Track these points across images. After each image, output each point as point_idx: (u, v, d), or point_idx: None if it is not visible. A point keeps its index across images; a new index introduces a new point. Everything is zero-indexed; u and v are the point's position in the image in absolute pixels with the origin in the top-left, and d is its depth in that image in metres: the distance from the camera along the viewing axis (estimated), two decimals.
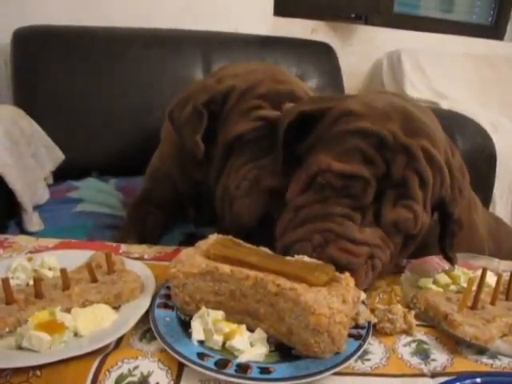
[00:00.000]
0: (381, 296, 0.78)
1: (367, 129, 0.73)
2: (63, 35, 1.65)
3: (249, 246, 0.71)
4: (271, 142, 0.90)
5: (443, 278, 0.81)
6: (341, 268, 0.68)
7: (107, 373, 0.56)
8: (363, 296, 0.68)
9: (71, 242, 0.93)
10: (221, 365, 0.56)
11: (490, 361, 0.63)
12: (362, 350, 0.61)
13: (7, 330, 0.61)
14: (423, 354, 0.64)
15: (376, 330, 0.67)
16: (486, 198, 1.75)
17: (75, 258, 0.79)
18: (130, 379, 0.55)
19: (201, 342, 0.61)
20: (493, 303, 0.73)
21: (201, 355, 0.58)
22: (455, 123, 1.69)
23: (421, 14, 2.75)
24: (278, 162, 0.86)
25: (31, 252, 0.86)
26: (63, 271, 0.68)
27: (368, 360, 0.62)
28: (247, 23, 2.06)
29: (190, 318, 0.64)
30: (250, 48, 1.86)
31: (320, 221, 0.74)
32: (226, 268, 0.64)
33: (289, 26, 2.19)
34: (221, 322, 0.61)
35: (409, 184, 0.72)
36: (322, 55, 2.03)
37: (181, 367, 0.58)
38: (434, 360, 0.63)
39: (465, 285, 0.77)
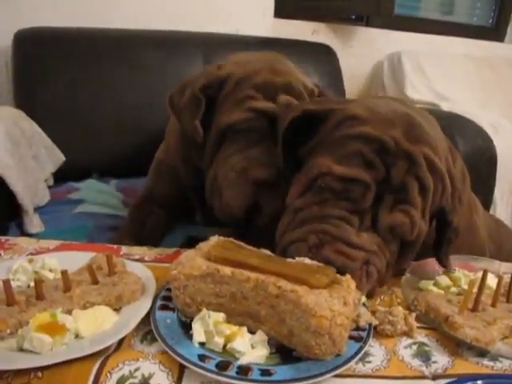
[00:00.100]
0: (381, 298, 0.78)
1: (369, 134, 0.73)
2: (64, 37, 1.65)
3: (250, 248, 0.71)
4: (261, 133, 0.91)
5: (444, 280, 0.81)
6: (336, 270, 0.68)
7: (108, 374, 0.56)
8: (363, 298, 0.68)
9: (72, 243, 0.93)
10: (222, 367, 0.56)
11: (491, 363, 0.63)
12: (362, 352, 0.61)
13: (8, 331, 0.61)
14: (424, 356, 0.64)
15: (377, 332, 0.67)
16: (487, 200, 1.75)
17: (76, 259, 0.79)
18: (131, 381, 0.55)
19: (202, 344, 0.61)
20: (493, 305, 0.73)
21: (202, 357, 0.58)
22: (456, 125, 1.69)
23: (421, 15, 2.75)
24: (279, 158, 0.86)
25: (32, 254, 0.86)
26: (64, 273, 0.68)
27: (369, 362, 0.62)
28: (248, 25, 2.06)
29: (191, 320, 0.64)
30: (250, 49, 1.85)
31: (317, 222, 0.73)
32: (226, 270, 0.64)
33: (289, 27, 2.19)
34: (222, 324, 0.61)
35: (408, 189, 0.71)
36: (323, 57, 2.03)
37: (182, 369, 0.58)
38: (434, 362, 0.63)
39: (465, 287, 0.77)
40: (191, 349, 0.59)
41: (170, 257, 0.88)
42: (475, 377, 0.58)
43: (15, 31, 1.58)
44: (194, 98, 0.95)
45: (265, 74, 0.94)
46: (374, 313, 0.69)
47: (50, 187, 1.41)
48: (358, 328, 0.65)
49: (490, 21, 2.89)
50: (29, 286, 0.72)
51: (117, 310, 0.67)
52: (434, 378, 0.60)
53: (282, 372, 0.57)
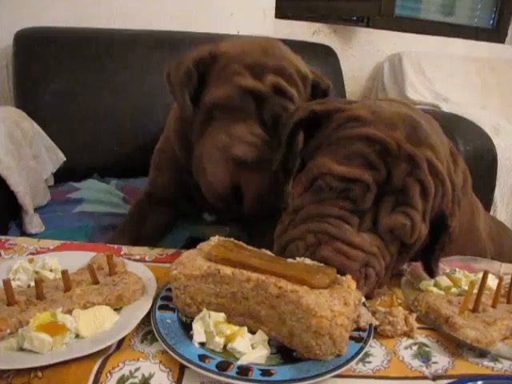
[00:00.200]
0: (382, 298, 0.78)
1: (371, 135, 0.73)
2: (64, 37, 1.65)
3: (250, 248, 0.71)
4: (247, 112, 0.90)
5: (444, 281, 0.81)
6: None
7: (109, 374, 0.56)
8: (363, 298, 0.68)
9: (72, 243, 0.93)
10: (222, 367, 0.56)
11: (491, 364, 0.63)
12: (363, 352, 0.61)
13: (8, 331, 0.61)
14: (424, 356, 0.64)
15: (377, 332, 0.67)
16: (487, 201, 1.75)
17: (76, 259, 0.79)
18: (131, 381, 0.55)
19: (202, 344, 0.61)
20: (494, 306, 0.73)
21: (202, 357, 0.58)
22: (456, 126, 1.69)
23: (422, 17, 2.76)
24: (279, 155, 0.85)
25: (32, 253, 0.86)
26: (65, 273, 0.68)
27: (369, 362, 0.62)
28: (249, 25, 2.07)
29: (192, 320, 0.64)
30: None
31: (316, 221, 0.73)
32: (227, 270, 0.64)
33: (290, 28, 2.20)
34: (222, 324, 0.61)
35: (409, 191, 0.71)
36: (324, 57, 2.04)
37: (182, 369, 0.58)
38: (435, 363, 0.63)
39: (466, 287, 0.77)
40: (191, 349, 0.59)
41: (171, 257, 0.88)
42: (475, 377, 0.58)
43: (15, 31, 1.58)
44: (186, 72, 0.95)
45: (257, 55, 0.94)
46: (374, 313, 0.69)
47: (50, 187, 1.41)
48: (358, 328, 0.65)
49: (491, 22, 2.89)
50: (29, 286, 0.72)
51: (117, 309, 0.67)
52: (435, 378, 0.60)
53: (283, 372, 0.57)
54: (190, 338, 0.61)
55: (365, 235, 0.72)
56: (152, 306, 0.68)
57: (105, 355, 0.59)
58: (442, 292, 0.79)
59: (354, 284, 0.64)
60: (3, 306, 0.64)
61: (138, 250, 0.91)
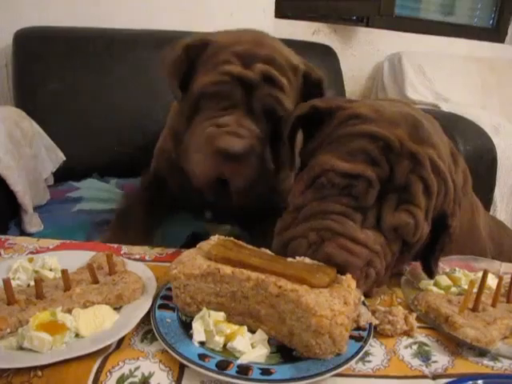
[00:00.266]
0: (382, 298, 0.78)
1: (374, 132, 0.73)
2: (64, 37, 1.65)
3: (250, 247, 0.71)
4: (235, 100, 0.89)
5: (444, 280, 0.81)
6: (337, 267, 0.67)
7: (108, 373, 0.56)
8: (363, 297, 0.68)
9: (72, 242, 0.93)
10: (222, 366, 0.56)
11: (491, 363, 0.63)
12: (363, 351, 0.61)
13: (8, 330, 0.61)
14: (424, 355, 0.64)
15: (377, 331, 0.67)
16: (487, 201, 1.75)
17: (76, 258, 0.79)
18: (131, 380, 0.56)
19: (202, 343, 0.61)
20: (494, 305, 0.73)
21: (202, 356, 0.58)
22: (456, 126, 1.69)
23: (422, 16, 2.76)
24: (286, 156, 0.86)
25: (32, 253, 0.86)
26: (64, 272, 0.68)
27: (369, 362, 0.62)
28: (248, 25, 2.04)
29: (191, 319, 0.64)
30: None
31: (318, 218, 0.73)
32: (227, 269, 0.64)
33: (290, 28, 2.20)
34: (222, 324, 0.61)
35: (412, 189, 0.71)
36: (324, 57, 2.03)
37: (182, 368, 0.58)
38: (435, 362, 0.63)
39: (466, 287, 0.77)
40: (191, 348, 0.59)
41: (171, 256, 0.88)
42: (475, 376, 0.58)
43: (15, 31, 1.58)
44: (177, 57, 0.95)
45: (248, 45, 0.93)
46: (374, 312, 0.69)
47: (49, 186, 1.41)
48: (358, 328, 0.65)
49: (491, 22, 2.90)
50: (29, 285, 0.72)
51: (117, 309, 0.67)
52: (434, 377, 0.60)
53: (282, 371, 0.57)
54: (190, 337, 0.61)
55: (369, 232, 0.71)
56: (152, 305, 0.68)
57: (105, 354, 0.59)
58: (442, 291, 0.79)
59: (353, 283, 0.64)
60: (3, 306, 0.64)
61: (138, 250, 0.91)
